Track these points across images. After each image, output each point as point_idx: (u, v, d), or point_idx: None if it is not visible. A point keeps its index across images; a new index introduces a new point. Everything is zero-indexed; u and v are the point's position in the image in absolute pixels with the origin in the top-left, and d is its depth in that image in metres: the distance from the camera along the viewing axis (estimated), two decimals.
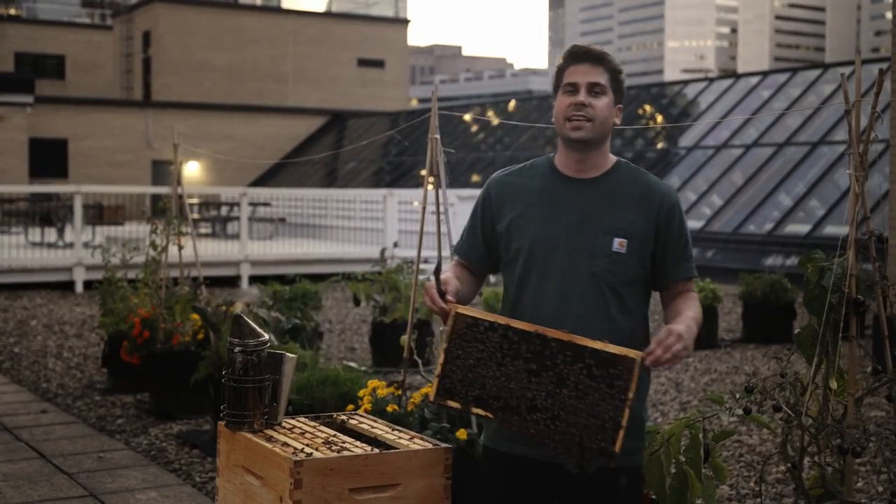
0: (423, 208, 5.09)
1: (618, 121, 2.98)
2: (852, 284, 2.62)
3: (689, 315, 2.88)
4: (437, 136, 4.55)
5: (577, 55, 2.97)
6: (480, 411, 2.73)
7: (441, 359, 2.79)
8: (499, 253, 3.05)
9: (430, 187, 5.05)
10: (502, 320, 2.78)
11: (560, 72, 3.00)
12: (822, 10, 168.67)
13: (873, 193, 11.30)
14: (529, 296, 2.94)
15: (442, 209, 4.93)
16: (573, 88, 2.92)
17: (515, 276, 2.97)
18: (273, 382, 3.02)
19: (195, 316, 7.13)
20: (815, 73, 22.30)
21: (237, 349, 2.94)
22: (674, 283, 2.99)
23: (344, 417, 3.23)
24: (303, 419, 3.19)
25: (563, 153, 3.00)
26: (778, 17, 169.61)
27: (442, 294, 2.80)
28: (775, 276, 10.94)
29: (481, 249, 3.08)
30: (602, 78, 2.92)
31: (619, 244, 2.88)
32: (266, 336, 2.97)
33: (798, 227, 17.67)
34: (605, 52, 2.98)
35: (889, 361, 2.69)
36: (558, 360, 2.71)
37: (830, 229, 17.08)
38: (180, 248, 7.51)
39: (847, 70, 13.30)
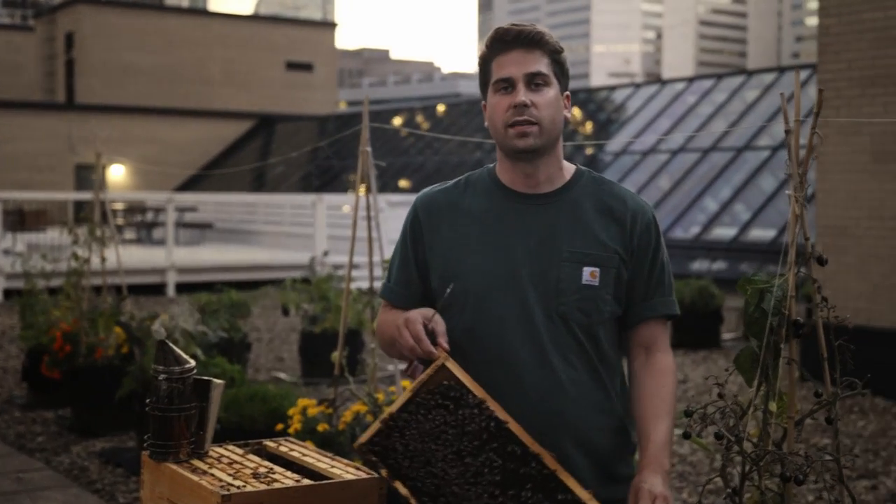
0: (355, 217, 5.00)
1: (568, 114, 2.38)
2: (792, 307, 2.59)
3: (660, 435, 2.30)
4: (369, 149, 4.46)
5: (505, 40, 2.32)
6: (405, 492, 2.23)
7: (395, 407, 2.24)
8: None
9: (360, 193, 4.96)
10: (492, 405, 2.17)
11: (485, 63, 2.36)
12: (744, 16, 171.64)
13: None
14: (477, 352, 2.30)
15: (373, 217, 4.85)
16: (508, 84, 2.30)
17: (455, 329, 2.29)
18: (200, 410, 2.90)
19: (119, 329, 6.95)
20: (739, 79, 22.60)
21: (162, 376, 2.82)
22: (644, 324, 2.39)
23: (273, 445, 3.12)
24: (231, 447, 3.08)
25: (506, 165, 2.38)
26: (702, 23, 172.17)
27: (431, 334, 2.21)
28: (703, 281, 11.02)
29: (417, 289, 2.43)
30: (541, 65, 2.30)
31: (589, 274, 2.29)
32: (192, 363, 2.85)
33: (724, 231, 17.87)
34: (539, 29, 2.34)
35: (828, 384, 2.66)
36: (527, 487, 2.17)
37: (756, 233, 17.32)
38: (103, 259, 7.31)
39: (770, 77, 13.53)
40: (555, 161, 2.38)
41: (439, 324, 2.24)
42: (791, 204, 2.65)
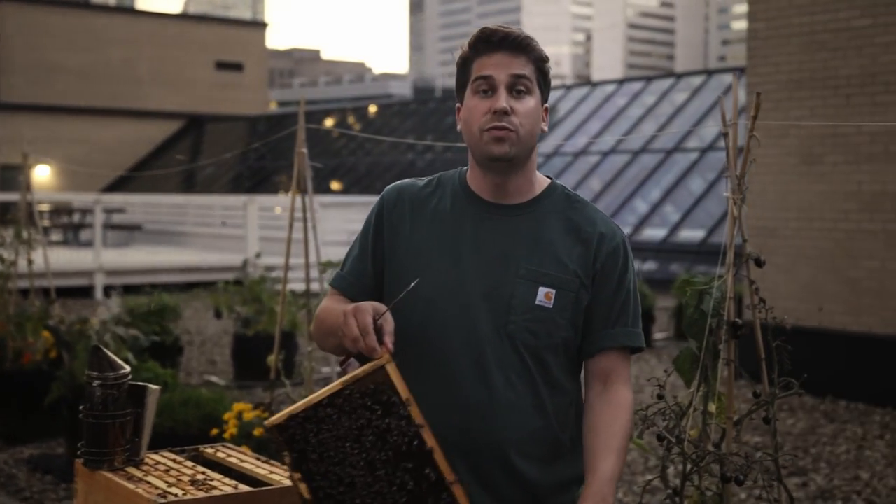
0: (291, 219, 4.95)
1: (545, 127, 2.27)
2: (730, 308, 2.62)
3: (607, 471, 2.14)
4: (305, 151, 4.41)
5: (491, 41, 2.20)
6: (304, 490, 2.08)
7: (320, 395, 2.07)
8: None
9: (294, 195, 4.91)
10: (419, 418, 2.05)
11: (466, 64, 2.24)
12: (672, 19, 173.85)
13: (722, 197, 11.56)
14: (418, 358, 2.21)
15: (310, 219, 4.81)
16: (489, 87, 2.17)
17: (402, 331, 2.16)
18: (135, 416, 2.85)
19: (47, 333, 6.81)
20: (668, 81, 22.88)
21: (96, 383, 2.76)
22: (602, 354, 2.24)
23: (210, 451, 3.07)
24: (167, 454, 3.02)
25: (477, 173, 2.27)
26: (630, 26, 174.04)
27: (378, 331, 2.07)
28: None
29: (370, 283, 2.31)
30: (526, 70, 2.19)
31: (544, 295, 2.17)
32: (127, 368, 2.80)
33: (654, 232, 18.08)
34: (528, 34, 2.23)
35: (766, 384, 2.69)
36: None
37: (685, 234, 17.56)
38: (30, 262, 7.16)
39: (698, 79, 13.69)
40: (527, 173, 2.27)
41: (388, 322, 2.09)
42: (729, 206, 2.68)
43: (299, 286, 6.49)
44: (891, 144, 7.69)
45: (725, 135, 2.58)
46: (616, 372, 2.25)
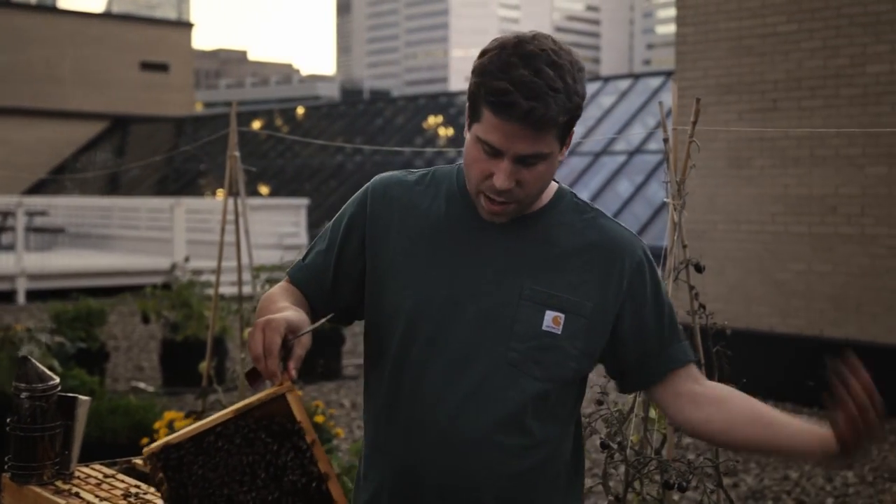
0: (223, 222, 4.86)
1: (563, 155, 1.89)
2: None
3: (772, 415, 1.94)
4: (237, 154, 4.34)
5: (509, 110, 1.75)
6: None
7: (210, 423, 1.81)
8: (355, 299, 2.02)
9: (221, 198, 4.83)
10: (319, 454, 1.78)
11: (476, 100, 1.81)
12: (598, 23, 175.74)
13: (652, 200, 11.67)
14: (405, 387, 1.93)
15: (242, 223, 4.74)
16: (493, 152, 1.80)
17: (389, 352, 1.94)
18: (65, 428, 2.76)
19: None
20: (595, 85, 23.05)
21: (24, 395, 2.67)
22: (673, 374, 1.98)
23: (142, 463, 2.99)
24: (98, 466, 2.94)
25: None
26: (557, 29, 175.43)
27: (287, 352, 1.77)
28: None
29: (329, 280, 2.02)
30: (544, 144, 1.79)
31: (552, 320, 1.87)
32: (56, 379, 2.71)
33: None
34: (558, 87, 1.76)
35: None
36: None
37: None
38: None
39: (625, 83, 13.78)
40: None
41: (301, 345, 1.78)
42: (669, 211, 2.68)
43: (230, 290, 6.40)
44: (816, 148, 7.82)
45: (666, 140, 2.58)
46: (700, 381, 2.02)
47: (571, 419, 1.99)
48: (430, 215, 1.96)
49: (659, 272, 2.01)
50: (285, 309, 1.89)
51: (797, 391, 8.00)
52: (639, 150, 19.11)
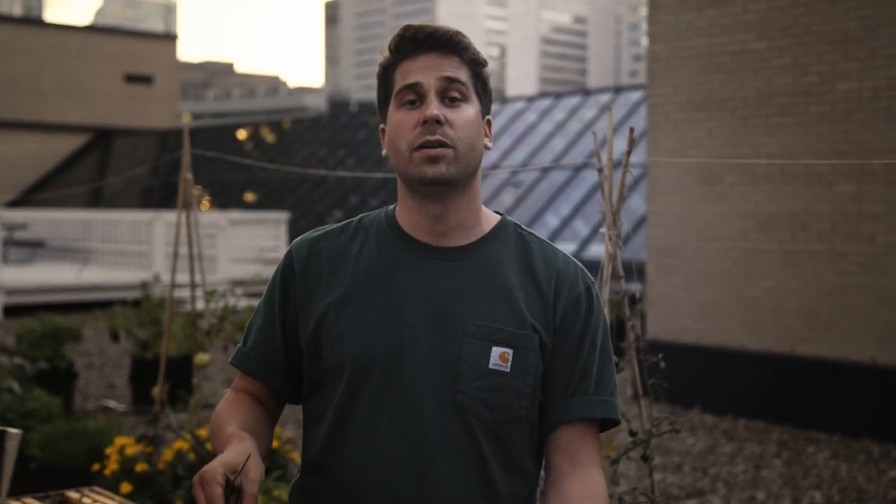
0: (176, 240, 4.82)
1: (489, 143, 1.87)
2: (610, 345, 2.58)
3: None
4: (190, 176, 4.31)
5: (416, 39, 1.83)
6: None
7: None
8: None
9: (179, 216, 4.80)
10: None
11: (388, 72, 1.86)
12: (584, 35, 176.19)
13: (633, 214, 11.62)
14: (349, 447, 1.81)
15: (195, 240, 4.70)
16: (417, 95, 1.80)
17: (328, 412, 1.84)
18: None
19: None
20: (577, 98, 23.10)
21: None
22: (561, 430, 1.84)
23: (76, 496, 2.95)
24: (29, 500, 2.90)
25: (409, 206, 1.87)
26: (544, 41, 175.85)
27: (237, 494, 1.61)
28: None
29: (281, 356, 1.91)
30: (461, 73, 1.82)
31: (499, 357, 1.78)
32: None
33: (565, 247, 18.16)
34: (458, 31, 1.85)
35: (643, 421, 2.67)
36: None
37: (596, 249, 17.72)
38: None
39: (606, 96, 13.77)
40: (470, 203, 1.87)
41: (251, 481, 1.62)
42: (605, 242, 2.65)
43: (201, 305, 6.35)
44: (786, 166, 7.82)
45: (600, 170, 2.55)
46: (581, 451, 1.83)
47: (533, 471, 1.87)
48: (362, 260, 1.87)
49: (599, 314, 1.90)
50: (230, 439, 1.76)
51: (768, 408, 7.99)
52: (621, 163, 19.14)
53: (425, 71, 1.79)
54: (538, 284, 1.84)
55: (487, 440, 1.78)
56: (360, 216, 1.98)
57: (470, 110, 1.81)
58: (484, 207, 1.92)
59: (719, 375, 8.40)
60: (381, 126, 1.89)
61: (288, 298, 1.90)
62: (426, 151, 1.76)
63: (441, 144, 1.77)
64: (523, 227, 1.94)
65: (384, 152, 1.89)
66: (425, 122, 1.77)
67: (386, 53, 1.87)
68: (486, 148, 1.86)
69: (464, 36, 1.85)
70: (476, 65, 1.86)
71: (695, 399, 8.31)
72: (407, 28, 1.85)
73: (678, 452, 7.10)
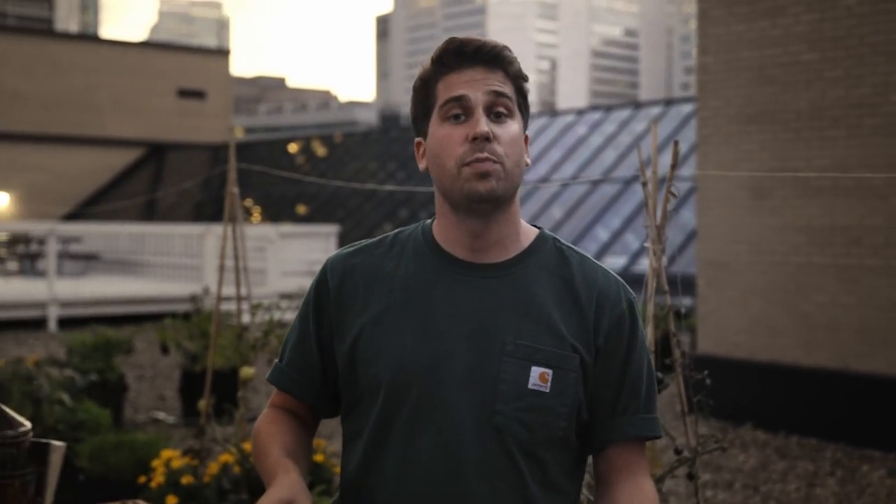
0: (223, 253, 4.84)
1: (528, 160, 1.84)
2: (651, 362, 2.54)
3: None
4: (236, 191, 4.33)
5: (462, 52, 1.78)
6: None
7: None
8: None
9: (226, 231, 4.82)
10: None
11: (428, 85, 1.81)
12: (636, 48, 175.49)
13: (684, 227, 11.53)
14: (387, 467, 1.78)
15: (241, 253, 4.72)
16: (463, 110, 1.76)
17: (364, 432, 1.81)
18: (37, 476, 2.73)
19: None
20: (627, 111, 23.00)
21: None
22: (611, 449, 1.84)
23: None
24: None
25: (448, 222, 1.83)
26: (595, 54, 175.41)
27: None
28: None
29: (317, 373, 1.90)
30: (506, 87, 1.78)
31: (539, 377, 1.74)
32: (27, 425, 2.68)
33: (615, 261, 18.10)
34: (505, 45, 1.83)
35: (689, 438, 2.62)
36: None
37: (646, 262, 17.58)
38: None
39: (657, 109, 13.70)
40: (510, 219, 1.83)
41: None
42: (649, 256, 2.61)
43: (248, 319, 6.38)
44: (839, 179, 7.70)
45: (644, 184, 2.51)
46: (632, 465, 1.83)
47: (571, 490, 1.84)
48: (398, 277, 1.84)
49: (641, 331, 1.89)
50: (276, 469, 1.76)
51: (822, 425, 7.86)
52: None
53: (471, 85, 1.75)
54: (578, 302, 1.81)
55: (526, 460, 1.75)
56: (395, 231, 1.95)
57: (515, 126, 1.78)
58: (522, 222, 1.89)
59: (771, 391, 8.27)
60: (417, 140, 1.86)
61: (322, 315, 1.89)
62: (477, 166, 1.73)
63: (490, 160, 1.73)
64: (562, 241, 1.90)
65: (422, 167, 1.85)
66: (475, 138, 1.73)
67: (427, 65, 1.82)
68: (526, 164, 1.83)
69: (510, 50, 1.83)
70: (519, 79, 1.83)
71: (746, 415, 8.19)
72: (452, 41, 1.80)
73: (729, 469, 6.99)
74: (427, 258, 1.84)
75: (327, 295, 1.88)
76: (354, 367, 1.82)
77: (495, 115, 1.76)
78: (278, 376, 1.95)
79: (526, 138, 1.85)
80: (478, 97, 1.75)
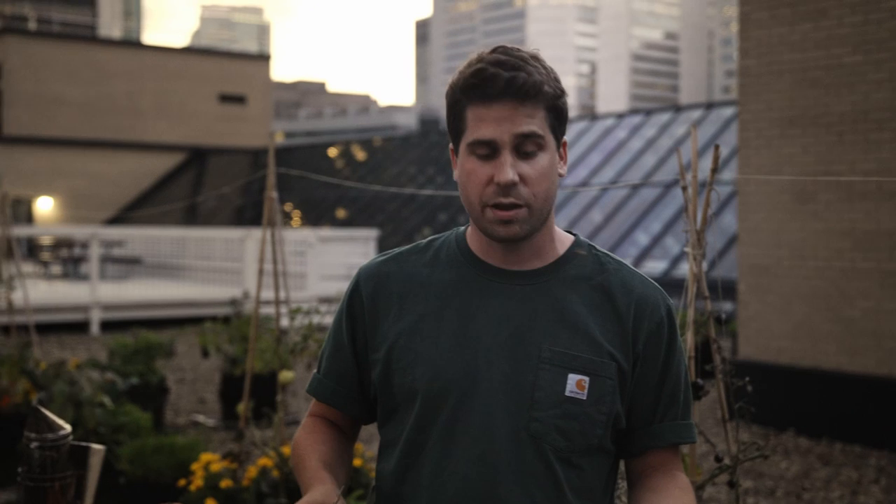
0: (261, 257, 4.86)
1: (563, 170, 1.79)
2: (691, 368, 2.51)
3: None
4: (275, 195, 4.34)
5: (491, 85, 1.69)
6: None
7: None
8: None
9: (266, 233, 4.83)
10: None
11: (458, 105, 1.76)
12: (676, 51, 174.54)
13: (725, 232, 11.42)
14: (423, 475, 1.78)
15: (279, 257, 4.73)
16: (490, 150, 1.71)
17: (400, 440, 1.81)
18: (77, 478, 2.74)
19: None
20: (668, 115, 22.87)
21: (34, 444, 2.66)
22: (649, 455, 1.84)
23: None
24: None
25: (480, 235, 1.83)
26: (635, 57, 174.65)
27: None
28: None
29: (354, 381, 1.91)
30: (535, 122, 1.70)
31: (575, 384, 1.73)
32: (67, 429, 2.69)
33: (656, 265, 18.00)
34: (536, 72, 1.71)
35: (730, 445, 2.59)
36: None
37: (687, 267, 17.47)
38: (9, 300, 7.08)
39: (698, 112, 13.56)
40: (545, 231, 1.81)
41: None
42: (689, 262, 2.58)
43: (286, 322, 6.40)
44: (884, 183, 7.59)
45: (684, 188, 2.48)
46: (668, 465, 1.85)
47: (606, 497, 1.84)
48: (433, 285, 1.83)
49: (679, 338, 1.88)
50: (313, 481, 1.78)
51: (865, 432, 7.75)
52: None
53: (499, 124, 1.69)
54: (616, 309, 1.79)
55: (563, 468, 1.74)
56: (429, 238, 1.94)
57: (544, 160, 1.73)
58: (557, 228, 1.87)
59: (814, 398, 8.18)
60: (451, 146, 1.83)
61: (356, 324, 1.88)
62: (499, 214, 1.71)
63: (515, 206, 1.71)
64: (599, 248, 1.89)
65: (455, 176, 1.82)
66: (501, 187, 1.70)
67: (456, 84, 1.75)
68: (561, 175, 1.79)
69: (542, 77, 1.72)
70: (554, 99, 1.74)
71: (788, 421, 8.10)
72: (480, 73, 1.71)
73: (771, 476, 6.92)
74: (462, 266, 1.84)
75: (361, 304, 1.87)
76: (390, 375, 1.82)
77: (525, 154, 1.71)
78: (316, 387, 1.96)
79: (564, 144, 1.81)
80: (504, 140, 1.70)
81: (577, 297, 1.79)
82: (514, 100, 1.68)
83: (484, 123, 1.70)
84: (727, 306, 12.91)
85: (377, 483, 1.90)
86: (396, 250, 1.94)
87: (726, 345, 10.55)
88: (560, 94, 1.75)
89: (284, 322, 4.96)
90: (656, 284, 1.86)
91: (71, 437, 2.80)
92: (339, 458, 1.88)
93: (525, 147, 1.70)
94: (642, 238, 19.08)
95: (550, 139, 1.74)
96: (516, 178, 1.69)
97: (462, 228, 1.91)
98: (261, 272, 4.60)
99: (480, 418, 1.73)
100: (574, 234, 1.90)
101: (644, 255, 18.41)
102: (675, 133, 21.53)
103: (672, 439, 1.82)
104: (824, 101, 8.05)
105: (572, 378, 1.72)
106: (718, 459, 2.52)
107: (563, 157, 1.81)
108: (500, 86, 1.68)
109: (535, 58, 1.74)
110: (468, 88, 1.71)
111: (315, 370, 1.99)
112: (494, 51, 1.75)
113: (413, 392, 1.78)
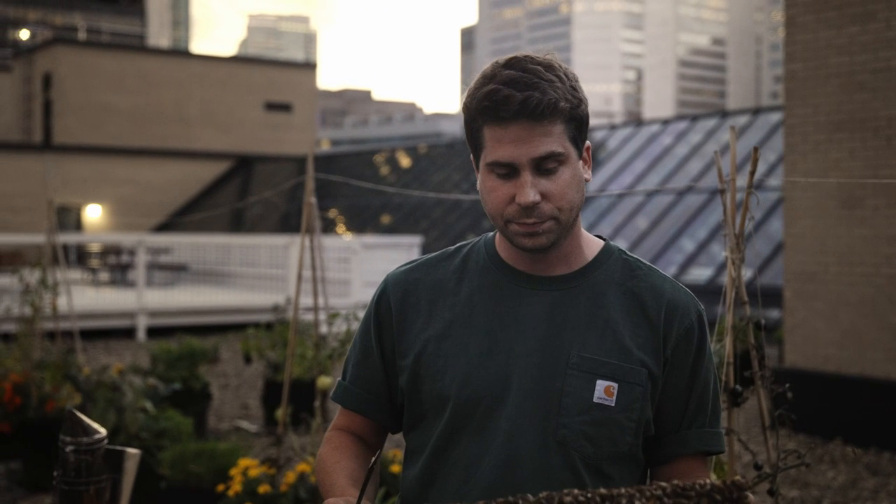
0: (300, 266, 4.86)
1: (589, 175, 1.77)
2: (730, 374, 2.47)
3: None
4: (314, 200, 4.33)
5: (504, 107, 1.66)
6: None
7: None
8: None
9: (305, 241, 4.83)
10: None
11: (474, 125, 1.73)
12: (723, 56, 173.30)
13: (772, 238, 11.30)
14: (450, 482, 1.76)
15: (318, 263, 4.72)
16: (509, 171, 1.69)
17: (428, 446, 1.79)
18: (113, 482, 2.75)
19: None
20: (714, 120, 22.68)
21: (69, 448, 2.67)
22: (675, 463, 1.80)
23: None
24: None
25: (508, 242, 1.80)
26: (682, 63, 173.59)
27: None
28: None
29: (382, 388, 1.88)
30: (553, 139, 1.67)
31: (604, 391, 1.71)
32: (103, 433, 2.71)
33: (701, 272, 17.84)
34: (550, 78, 1.67)
35: (770, 453, 2.54)
36: None
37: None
38: (54, 306, 7.15)
39: (744, 118, 13.44)
40: (573, 237, 1.80)
41: None
42: (728, 266, 2.53)
43: (336, 328, 6.40)
44: None
45: (723, 192, 2.44)
46: (695, 474, 1.79)
47: None
48: (461, 291, 1.82)
49: (709, 344, 1.84)
50: (335, 486, 1.76)
51: None
52: (759, 186, 18.66)
53: (516, 146, 1.67)
54: (647, 314, 1.77)
55: (590, 476, 1.72)
56: (458, 245, 1.92)
57: (567, 172, 1.70)
58: (586, 233, 1.85)
59: (862, 406, 8.04)
60: (472, 156, 1.81)
61: (384, 331, 1.86)
62: (523, 229, 1.71)
63: (538, 223, 1.70)
64: (628, 252, 1.85)
65: (478, 186, 1.78)
66: (523, 209, 1.69)
67: (471, 102, 1.71)
68: (586, 180, 1.77)
69: (554, 95, 1.66)
70: (572, 111, 1.70)
71: (835, 430, 7.97)
72: (493, 94, 1.66)
73: (817, 486, 6.81)
74: (491, 272, 1.82)
75: (388, 311, 1.85)
76: (418, 382, 1.80)
77: (545, 171, 1.69)
78: (342, 394, 1.93)
79: (587, 149, 1.78)
80: (523, 162, 1.67)
81: (606, 302, 1.77)
82: (529, 120, 1.66)
83: (501, 145, 1.68)
84: (774, 313, 12.75)
85: (402, 490, 1.88)
86: (424, 257, 1.92)
87: (772, 352, 10.41)
88: (578, 103, 1.71)
89: (324, 328, 4.96)
90: (687, 289, 1.84)
91: (106, 441, 2.81)
92: (362, 467, 1.85)
93: (545, 165, 1.68)
94: (688, 245, 18.92)
95: (571, 151, 1.71)
96: (538, 198, 1.67)
97: (490, 234, 1.90)
98: (299, 278, 4.61)
99: (508, 424, 1.72)
100: (604, 239, 1.88)
101: (689, 261, 18.26)
102: (720, 139, 21.34)
103: (699, 447, 1.79)
104: (872, 105, 7.93)
105: (600, 384, 1.71)
106: (758, 467, 2.47)
107: (587, 162, 1.78)
108: (514, 108, 1.65)
109: (550, 67, 1.70)
110: (483, 111, 1.69)
111: (339, 378, 1.96)
112: (508, 65, 1.70)
113: (443, 399, 1.76)
